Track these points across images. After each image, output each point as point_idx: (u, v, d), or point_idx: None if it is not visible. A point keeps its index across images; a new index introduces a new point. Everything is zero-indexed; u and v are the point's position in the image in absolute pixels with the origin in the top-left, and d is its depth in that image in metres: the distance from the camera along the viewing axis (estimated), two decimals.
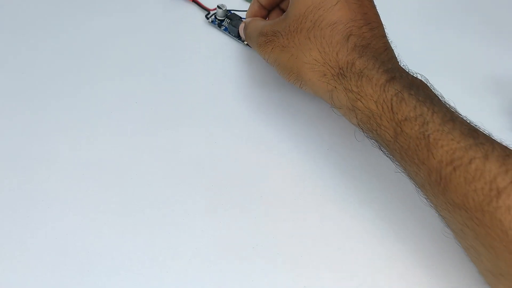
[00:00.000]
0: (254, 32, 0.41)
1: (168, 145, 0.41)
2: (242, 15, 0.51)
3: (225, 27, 0.51)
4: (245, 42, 0.49)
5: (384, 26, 0.36)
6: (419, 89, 0.31)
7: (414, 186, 0.32)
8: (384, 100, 0.30)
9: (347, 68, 0.32)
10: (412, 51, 0.50)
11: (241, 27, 0.46)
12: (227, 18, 0.51)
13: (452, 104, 0.32)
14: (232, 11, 0.51)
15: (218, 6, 0.51)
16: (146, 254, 0.34)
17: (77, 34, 0.50)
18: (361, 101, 0.31)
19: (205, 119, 0.43)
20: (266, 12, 0.45)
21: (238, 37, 0.50)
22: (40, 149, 0.40)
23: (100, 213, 0.36)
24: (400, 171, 0.32)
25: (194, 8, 0.53)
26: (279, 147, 0.41)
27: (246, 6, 0.52)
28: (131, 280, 0.33)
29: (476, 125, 0.30)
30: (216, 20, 0.51)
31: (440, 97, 0.32)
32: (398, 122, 0.29)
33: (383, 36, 0.35)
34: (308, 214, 0.37)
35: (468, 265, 0.33)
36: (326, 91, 0.34)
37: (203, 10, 0.52)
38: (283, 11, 0.45)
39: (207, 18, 0.51)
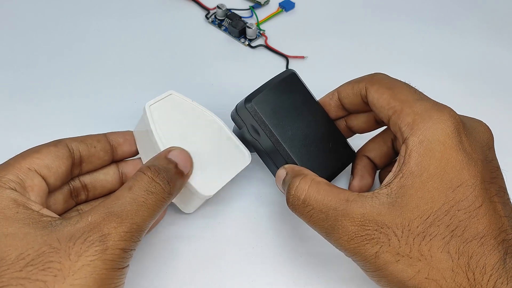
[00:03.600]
0: (320, 205, 0.28)
1: None
2: (242, 14, 0.51)
3: (225, 27, 0.51)
4: (246, 43, 0.49)
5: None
6: None
7: None
8: None
9: None
10: (413, 51, 0.50)
11: (280, 174, 0.32)
12: (227, 18, 0.51)
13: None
14: (232, 11, 0.51)
15: (218, 6, 0.51)
16: None
17: (77, 34, 0.50)
18: None
19: None
20: (344, 114, 0.35)
21: (238, 37, 0.50)
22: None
23: None
24: None
25: (194, 8, 0.53)
26: None
27: (246, 5, 0.52)
28: None
29: None
30: (216, 20, 0.51)
31: None
32: None
33: None
34: None
35: None
36: None
37: (203, 10, 0.52)
38: (376, 122, 0.35)
39: (207, 18, 0.51)
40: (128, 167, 0.35)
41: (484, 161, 0.28)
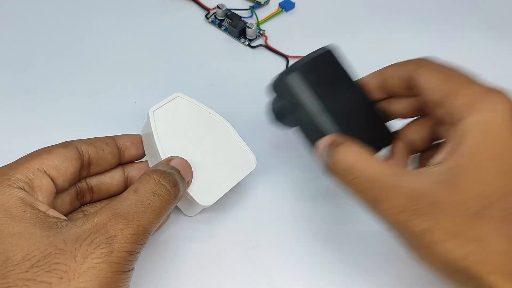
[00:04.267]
0: (366, 173, 0.28)
1: None
2: (242, 14, 0.51)
3: (225, 27, 0.51)
4: (246, 43, 0.49)
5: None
6: None
7: None
8: None
9: None
10: (413, 51, 0.50)
11: (325, 141, 0.31)
12: (227, 18, 0.51)
13: None
14: (232, 11, 0.51)
15: (218, 6, 0.51)
16: None
17: (77, 34, 0.50)
18: None
19: None
20: (384, 96, 0.34)
21: (238, 37, 0.50)
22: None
23: None
24: None
25: (194, 8, 0.53)
26: (278, 146, 0.41)
27: (246, 5, 0.52)
28: None
29: None
30: (216, 20, 0.51)
31: None
32: None
33: None
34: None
35: None
36: None
37: (203, 10, 0.52)
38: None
39: (207, 18, 0.51)
40: (134, 171, 0.35)
41: None
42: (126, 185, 0.35)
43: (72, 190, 0.32)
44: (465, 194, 0.25)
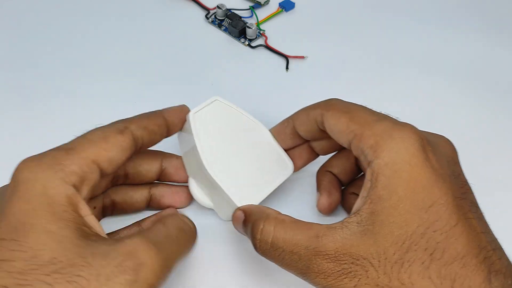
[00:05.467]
0: (290, 245, 0.27)
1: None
2: (242, 14, 0.51)
3: (225, 27, 0.51)
4: (246, 43, 0.49)
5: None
6: None
7: None
8: None
9: None
10: (413, 51, 0.50)
11: (238, 217, 0.31)
12: (227, 18, 0.51)
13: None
14: (232, 11, 0.51)
15: (218, 6, 0.51)
16: None
17: (77, 34, 0.50)
18: None
19: None
20: (301, 142, 0.34)
21: (238, 37, 0.50)
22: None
23: None
24: None
25: (194, 8, 0.53)
26: None
27: (246, 5, 0.52)
28: None
29: None
30: (216, 20, 0.51)
31: None
32: None
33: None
34: None
35: None
36: None
37: (203, 10, 0.52)
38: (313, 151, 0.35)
39: (207, 18, 0.51)
40: (162, 190, 0.35)
41: (452, 176, 0.26)
42: (148, 202, 0.35)
43: (99, 203, 0.33)
44: (384, 242, 0.25)
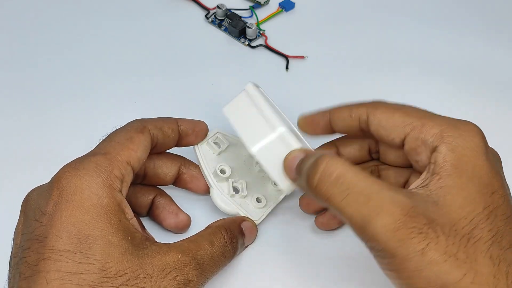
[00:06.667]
0: (359, 186, 0.26)
1: None
2: (242, 14, 0.51)
3: (225, 27, 0.51)
4: (246, 43, 0.49)
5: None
6: None
7: None
8: None
9: None
10: (413, 51, 0.50)
11: (295, 156, 0.29)
12: (227, 18, 0.51)
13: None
14: (232, 11, 0.51)
15: (218, 6, 0.51)
16: None
17: (76, 34, 0.50)
18: None
19: (204, 119, 0.42)
20: (327, 133, 0.34)
21: (238, 37, 0.50)
22: (42, 146, 0.40)
23: None
24: None
25: (194, 8, 0.53)
26: None
27: (246, 5, 0.52)
28: None
29: None
30: (216, 20, 0.51)
31: None
32: None
33: None
34: None
35: None
36: None
37: (203, 10, 0.52)
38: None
39: (207, 18, 0.51)
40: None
41: (501, 172, 0.28)
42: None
43: None
44: (456, 215, 0.25)
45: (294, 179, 0.30)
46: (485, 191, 0.26)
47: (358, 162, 0.35)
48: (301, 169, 0.28)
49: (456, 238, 0.24)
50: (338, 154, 0.35)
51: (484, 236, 0.25)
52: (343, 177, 0.26)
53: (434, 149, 0.28)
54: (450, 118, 0.29)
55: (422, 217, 0.25)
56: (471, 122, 0.29)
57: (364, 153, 0.34)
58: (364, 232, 0.25)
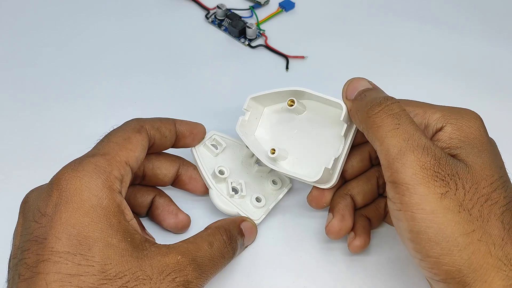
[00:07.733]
0: (416, 135, 0.27)
1: None
2: (242, 14, 0.51)
3: (225, 27, 0.51)
4: (246, 43, 0.49)
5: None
6: None
7: None
8: None
9: None
10: (413, 51, 0.50)
11: (362, 84, 0.31)
12: (227, 18, 0.51)
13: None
14: (232, 11, 0.51)
15: (218, 6, 0.51)
16: None
17: (76, 34, 0.50)
18: None
19: (204, 119, 0.42)
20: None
21: (238, 37, 0.50)
22: (42, 146, 0.40)
23: None
24: None
25: (194, 8, 0.53)
26: None
27: (246, 5, 0.52)
28: None
29: None
30: (216, 20, 0.51)
31: None
32: None
33: None
34: None
35: None
36: None
37: (203, 10, 0.52)
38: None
39: (207, 18, 0.51)
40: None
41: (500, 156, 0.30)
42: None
43: None
44: (478, 176, 0.27)
45: (350, 100, 0.31)
46: (496, 164, 0.28)
47: (361, 173, 0.35)
48: (365, 95, 0.30)
49: (475, 196, 0.26)
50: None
51: (500, 201, 0.26)
52: (400, 115, 0.28)
53: (438, 130, 0.29)
54: (450, 106, 0.30)
55: (449, 168, 0.26)
56: (470, 109, 0.30)
57: (366, 163, 0.35)
58: (393, 164, 0.27)
